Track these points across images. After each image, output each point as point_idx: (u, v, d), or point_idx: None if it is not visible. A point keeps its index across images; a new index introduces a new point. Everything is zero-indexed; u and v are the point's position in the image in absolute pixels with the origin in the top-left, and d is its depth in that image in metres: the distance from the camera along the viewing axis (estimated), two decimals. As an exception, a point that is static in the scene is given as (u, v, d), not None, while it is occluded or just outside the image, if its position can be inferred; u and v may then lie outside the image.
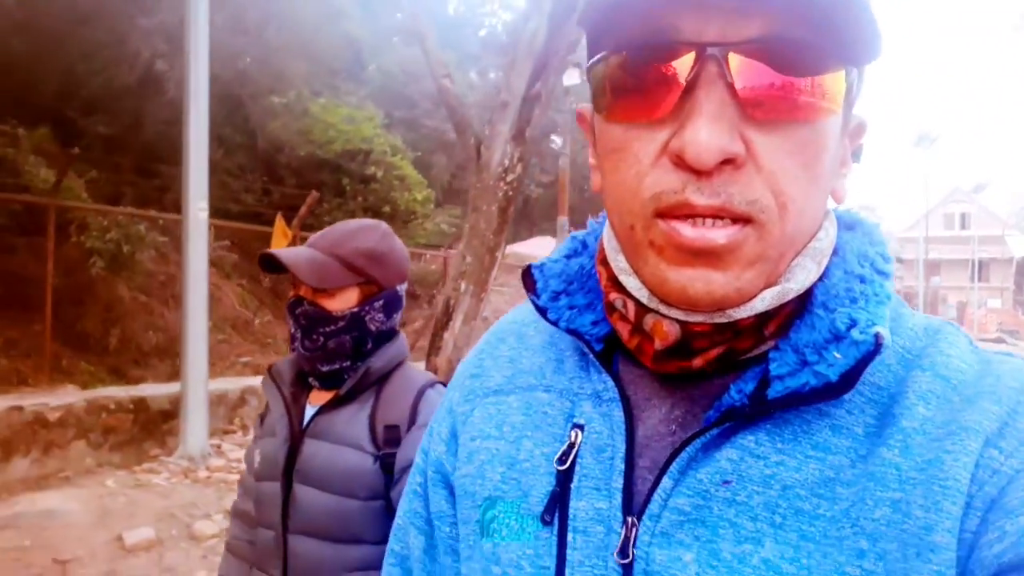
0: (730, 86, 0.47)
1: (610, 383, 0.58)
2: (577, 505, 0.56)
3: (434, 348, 5.59)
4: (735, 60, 0.47)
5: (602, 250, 0.61)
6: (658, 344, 0.54)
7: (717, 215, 0.48)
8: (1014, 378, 0.52)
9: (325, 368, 1.48)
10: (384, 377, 1.50)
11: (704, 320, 0.52)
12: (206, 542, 4.01)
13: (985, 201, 50.63)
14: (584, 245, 0.67)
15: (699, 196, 0.47)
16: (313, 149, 11.82)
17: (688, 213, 0.48)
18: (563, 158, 10.40)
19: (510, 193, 5.26)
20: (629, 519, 0.53)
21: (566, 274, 0.65)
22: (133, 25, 9.83)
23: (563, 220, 10.25)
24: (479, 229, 5.25)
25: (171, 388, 5.91)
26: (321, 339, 1.45)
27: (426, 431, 0.74)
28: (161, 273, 8.76)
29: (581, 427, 0.58)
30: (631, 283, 0.56)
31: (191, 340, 5.35)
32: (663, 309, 0.53)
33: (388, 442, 1.41)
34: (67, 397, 5.32)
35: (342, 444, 1.42)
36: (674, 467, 0.52)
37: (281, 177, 12.10)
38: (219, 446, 5.45)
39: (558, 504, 0.57)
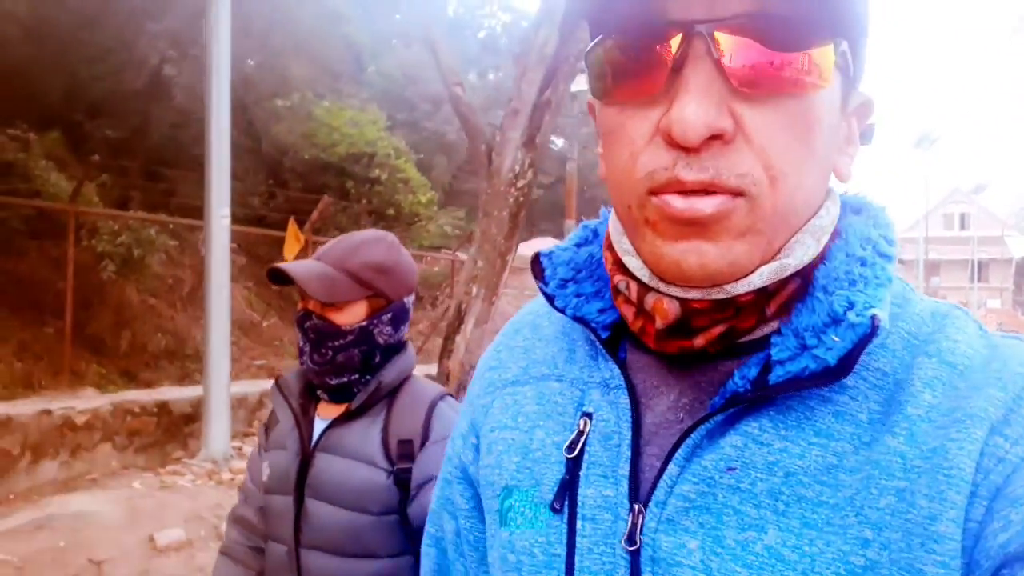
0: (717, 62, 0.47)
1: (616, 371, 0.59)
2: (585, 492, 0.56)
3: (446, 351, 5.66)
4: (722, 37, 0.47)
5: (608, 235, 0.61)
6: (659, 323, 0.54)
7: (707, 190, 0.48)
8: (1021, 363, 0.51)
9: (334, 381, 1.48)
10: (394, 390, 1.50)
11: (702, 296, 0.52)
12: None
13: (985, 202, 50.61)
14: (595, 234, 0.67)
15: (688, 172, 0.48)
16: (317, 152, 11.86)
17: (678, 189, 0.48)
18: (571, 163, 10.48)
19: (521, 199, 5.34)
20: (636, 506, 0.54)
21: (574, 262, 0.65)
22: (141, 30, 9.89)
23: (570, 224, 10.33)
24: (490, 234, 5.31)
25: (192, 392, 5.99)
26: (330, 353, 1.45)
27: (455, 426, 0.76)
28: (169, 276, 8.83)
29: (590, 415, 0.59)
30: (633, 263, 0.56)
31: (213, 345, 5.42)
32: (662, 287, 0.54)
33: (402, 457, 1.41)
34: (93, 401, 5.40)
35: (355, 459, 1.42)
36: (679, 454, 0.53)
37: (285, 180, 12.14)
38: (240, 448, 5.53)
39: (567, 492, 0.57)
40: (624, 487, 0.55)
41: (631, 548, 0.53)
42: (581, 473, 0.57)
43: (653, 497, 0.53)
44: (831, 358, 0.50)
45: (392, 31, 16.23)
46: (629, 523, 0.54)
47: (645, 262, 0.54)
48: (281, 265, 1.47)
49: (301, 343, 1.49)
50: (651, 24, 0.49)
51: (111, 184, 8.99)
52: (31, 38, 8.87)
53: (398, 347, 1.54)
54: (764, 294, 0.53)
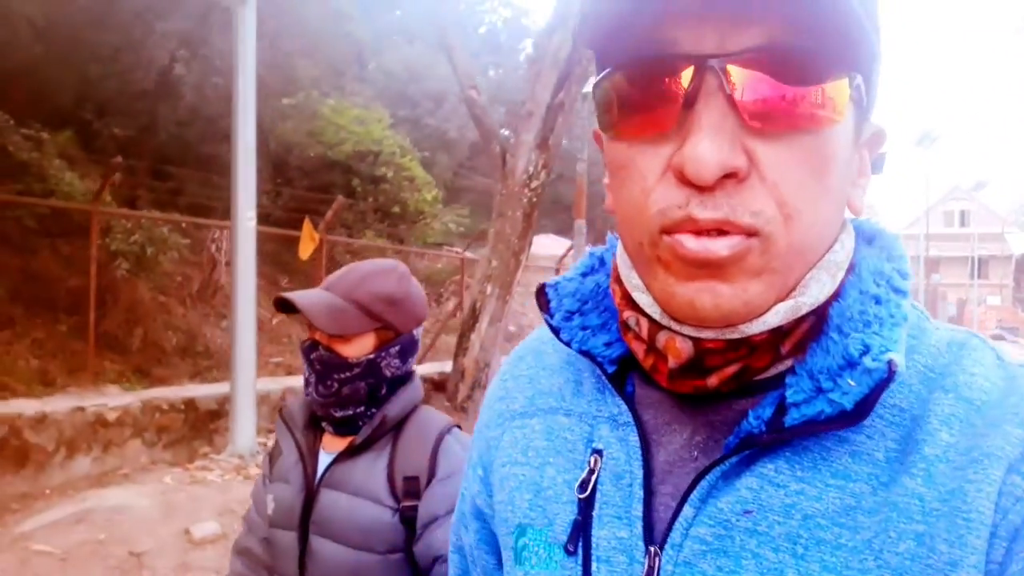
0: (730, 98, 0.46)
1: (624, 407, 0.58)
2: (599, 534, 0.55)
3: (461, 349, 5.77)
4: (734, 71, 0.46)
5: (616, 268, 0.60)
6: (671, 362, 0.53)
7: (720, 229, 0.47)
8: None
9: (339, 414, 1.45)
10: (400, 423, 1.46)
11: (716, 336, 0.51)
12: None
13: (985, 199, 50.54)
14: (602, 262, 0.66)
15: (702, 210, 0.46)
16: (323, 150, 11.92)
17: (692, 228, 0.47)
18: (580, 163, 10.56)
19: (534, 199, 5.45)
20: (651, 548, 0.53)
21: (580, 293, 0.64)
22: (150, 29, 9.97)
23: (580, 223, 10.41)
24: (504, 234, 5.42)
25: (216, 389, 6.11)
26: (335, 385, 1.42)
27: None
28: (179, 274, 8.92)
29: (600, 452, 0.58)
30: (643, 300, 0.55)
31: (240, 344, 5.52)
32: (675, 326, 0.52)
33: (407, 494, 1.39)
34: (123, 398, 5.53)
35: (360, 496, 1.40)
36: (695, 495, 0.52)
37: (292, 178, 12.22)
38: (265, 444, 5.66)
39: (581, 533, 0.56)
40: (638, 528, 0.54)
41: None
42: (594, 513, 0.56)
43: (669, 539, 0.52)
44: (847, 403, 0.49)
45: (393, 28, 16.29)
46: (646, 566, 0.53)
47: (656, 300, 0.53)
48: (288, 295, 1.45)
49: (307, 373, 1.46)
50: (662, 58, 0.47)
51: (120, 183, 9.08)
52: (41, 38, 8.94)
53: (404, 379, 1.51)
54: (779, 333, 0.52)
